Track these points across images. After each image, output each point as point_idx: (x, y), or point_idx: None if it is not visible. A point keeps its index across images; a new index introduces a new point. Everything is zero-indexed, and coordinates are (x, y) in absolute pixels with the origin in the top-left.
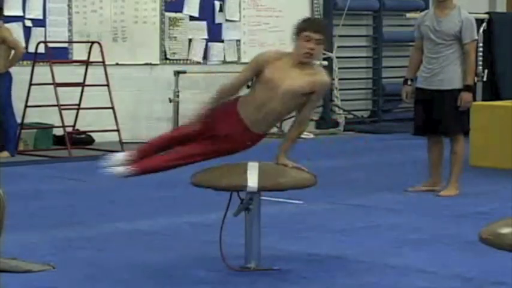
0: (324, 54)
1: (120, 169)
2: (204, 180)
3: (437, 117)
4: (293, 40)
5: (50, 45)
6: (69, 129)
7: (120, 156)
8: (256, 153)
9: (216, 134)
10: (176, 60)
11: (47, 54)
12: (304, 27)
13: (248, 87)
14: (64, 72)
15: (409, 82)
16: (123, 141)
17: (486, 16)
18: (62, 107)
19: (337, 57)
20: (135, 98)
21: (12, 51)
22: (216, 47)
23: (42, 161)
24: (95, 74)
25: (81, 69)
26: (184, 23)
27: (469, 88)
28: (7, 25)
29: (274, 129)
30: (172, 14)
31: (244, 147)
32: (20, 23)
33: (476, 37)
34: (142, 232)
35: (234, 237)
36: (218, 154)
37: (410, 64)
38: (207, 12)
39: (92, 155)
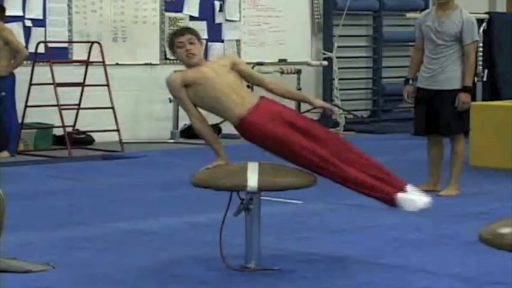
0: (324, 54)
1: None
2: (204, 180)
3: (438, 117)
4: (173, 56)
5: (50, 45)
6: (69, 129)
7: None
8: (256, 153)
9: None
10: (176, 60)
11: (47, 54)
12: (171, 39)
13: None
14: (64, 72)
15: (410, 82)
16: (123, 141)
17: (486, 16)
18: (62, 107)
19: (337, 57)
20: (135, 98)
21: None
22: (216, 47)
23: (42, 161)
24: (95, 74)
25: (81, 69)
26: (184, 23)
27: (468, 89)
28: (7, 25)
29: None
30: (172, 14)
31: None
32: (20, 23)
33: (476, 38)
34: (142, 232)
35: (234, 237)
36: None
37: (411, 64)
38: (207, 12)
39: (92, 155)
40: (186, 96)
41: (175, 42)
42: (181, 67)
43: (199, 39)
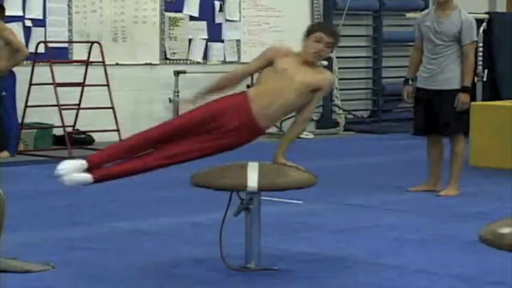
0: None
1: (80, 176)
2: (204, 180)
3: (437, 117)
4: (303, 40)
5: (50, 45)
6: (69, 129)
7: (76, 163)
8: (256, 153)
9: (222, 126)
10: (176, 60)
11: (47, 54)
12: (317, 28)
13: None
14: (64, 72)
15: (410, 82)
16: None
17: (486, 16)
18: (62, 107)
19: (337, 57)
20: (135, 98)
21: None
22: (216, 47)
23: (42, 161)
24: (95, 74)
25: (81, 69)
26: (184, 23)
27: (467, 89)
28: (7, 25)
29: (274, 129)
30: (172, 14)
31: (245, 143)
32: (20, 23)
33: (475, 38)
34: (142, 232)
35: (234, 237)
36: (216, 150)
37: (411, 64)
38: (207, 12)
39: None
40: (258, 64)
41: (319, 34)
42: (182, 67)
43: (334, 47)
